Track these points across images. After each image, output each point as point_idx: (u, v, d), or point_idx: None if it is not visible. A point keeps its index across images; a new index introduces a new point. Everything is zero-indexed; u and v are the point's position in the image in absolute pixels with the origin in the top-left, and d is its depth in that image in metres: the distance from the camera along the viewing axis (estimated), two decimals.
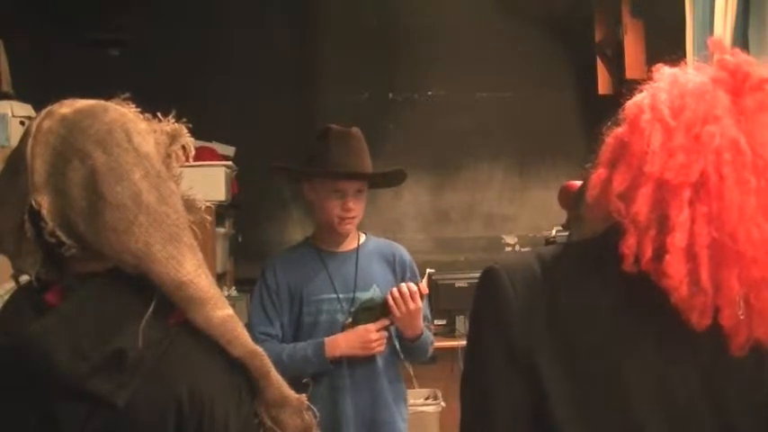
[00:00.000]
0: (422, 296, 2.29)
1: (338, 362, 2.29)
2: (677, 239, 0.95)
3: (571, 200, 1.28)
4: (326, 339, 2.29)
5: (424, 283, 2.32)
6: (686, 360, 0.99)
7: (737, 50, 1.05)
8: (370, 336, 2.27)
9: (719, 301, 0.96)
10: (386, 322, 2.29)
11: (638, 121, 1.00)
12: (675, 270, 0.95)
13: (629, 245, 0.97)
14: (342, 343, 2.28)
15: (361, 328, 2.29)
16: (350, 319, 2.32)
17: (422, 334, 2.34)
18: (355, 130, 2.42)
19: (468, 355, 1.10)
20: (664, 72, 1.06)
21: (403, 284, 2.29)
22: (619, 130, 1.04)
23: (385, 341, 2.31)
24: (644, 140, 0.98)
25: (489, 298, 1.07)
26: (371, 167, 2.40)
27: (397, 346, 2.39)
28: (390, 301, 2.26)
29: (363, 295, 2.37)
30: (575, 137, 5.00)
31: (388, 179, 2.56)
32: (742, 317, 0.96)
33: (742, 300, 0.96)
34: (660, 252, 0.96)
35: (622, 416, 1.00)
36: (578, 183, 1.39)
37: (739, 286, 0.95)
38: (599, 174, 1.03)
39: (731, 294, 0.95)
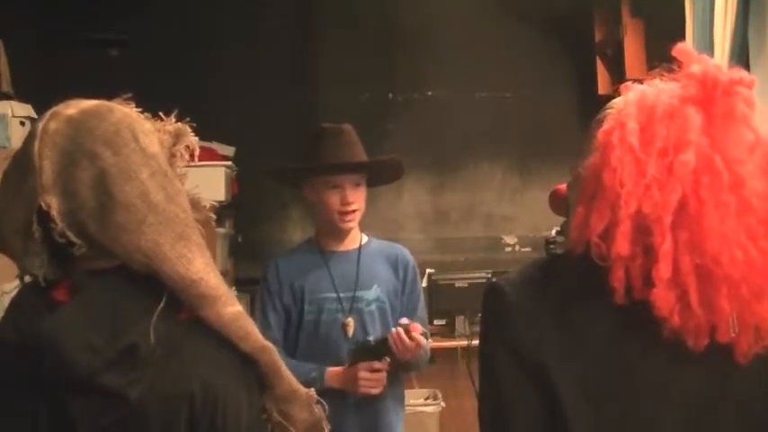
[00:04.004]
0: (411, 337, 2.23)
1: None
2: (662, 271, 0.95)
3: (562, 204, 1.27)
4: (327, 370, 2.28)
5: (416, 326, 2.26)
6: (700, 362, 0.99)
7: (704, 56, 1.03)
8: (360, 376, 2.24)
9: (713, 320, 0.96)
10: (377, 365, 2.26)
11: (610, 157, 0.99)
12: (665, 302, 0.95)
13: (617, 278, 0.97)
14: (339, 378, 2.28)
15: (354, 368, 2.26)
16: (348, 360, 2.30)
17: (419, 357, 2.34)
18: (347, 125, 2.41)
19: (481, 373, 1.11)
20: (630, 94, 1.05)
21: (400, 329, 2.23)
22: (594, 161, 1.03)
23: (383, 382, 2.27)
24: (616, 179, 0.97)
25: (495, 315, 1.08)
26: (366, 160, 2.39)
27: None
28: (391, 341, 2.23)
29: (364, 294, 2.37)
30: (575, 137, 4.92)
31: (386, 174, 2.53)
32: (733, 334, 0.97)
33: (735, 317, 0.96)
34: (648, 280, 0.96)
35: (638, 417, 1.00)
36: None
37: (730, 306, 0.95)
38: (578, 213, 1.02)
39: (723, 315, 0.95)
